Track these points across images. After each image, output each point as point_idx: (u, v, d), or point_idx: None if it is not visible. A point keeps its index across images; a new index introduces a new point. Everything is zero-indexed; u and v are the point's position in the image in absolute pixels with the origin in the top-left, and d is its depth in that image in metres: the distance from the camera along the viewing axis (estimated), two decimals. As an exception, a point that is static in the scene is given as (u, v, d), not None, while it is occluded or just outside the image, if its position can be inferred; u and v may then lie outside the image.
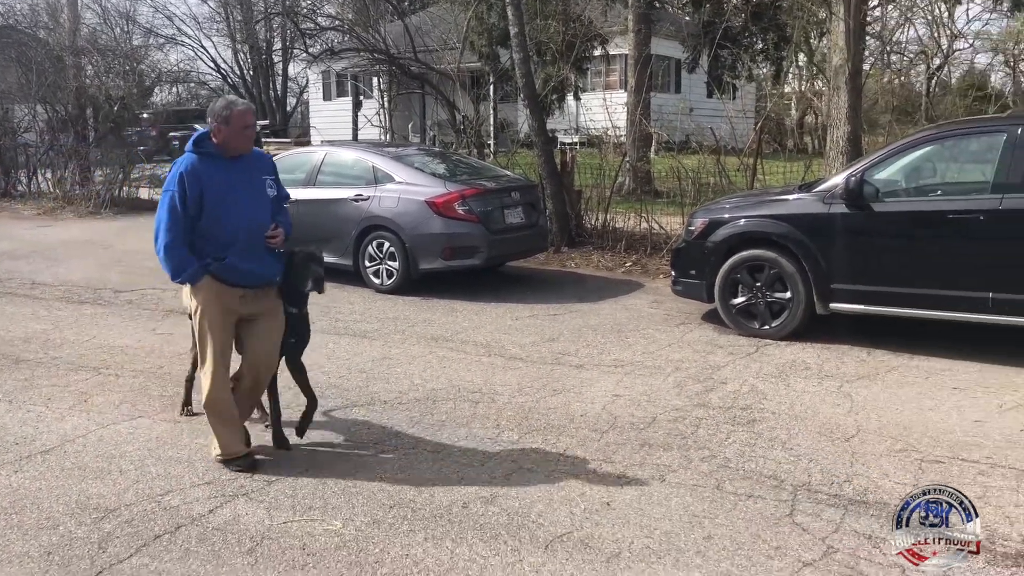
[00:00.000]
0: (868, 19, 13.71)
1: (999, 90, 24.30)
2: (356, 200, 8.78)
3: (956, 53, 25.08)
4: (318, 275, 4.45)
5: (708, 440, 4.65)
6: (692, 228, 7.30)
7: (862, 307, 6.43)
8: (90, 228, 13.59)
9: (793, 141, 20.78)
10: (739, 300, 6.84)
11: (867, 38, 15.28)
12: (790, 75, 22.66)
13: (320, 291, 4.50)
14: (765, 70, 20.48)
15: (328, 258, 6.21)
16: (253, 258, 4.18)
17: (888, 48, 23.02)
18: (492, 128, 19.73)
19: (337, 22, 23.91)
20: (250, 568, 3.36)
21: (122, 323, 7.41)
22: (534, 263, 10.10)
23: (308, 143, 24.72)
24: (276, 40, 36.91)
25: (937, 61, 24.59)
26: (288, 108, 39.44)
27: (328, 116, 29.47)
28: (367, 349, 6.54)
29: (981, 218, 5.92)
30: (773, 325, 6.71)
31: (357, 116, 24.19)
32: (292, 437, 4.56)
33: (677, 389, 5.53)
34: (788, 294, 6.61)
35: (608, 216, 11.09)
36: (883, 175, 6.52)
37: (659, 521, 3.71)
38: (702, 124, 14.99)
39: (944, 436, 4.66)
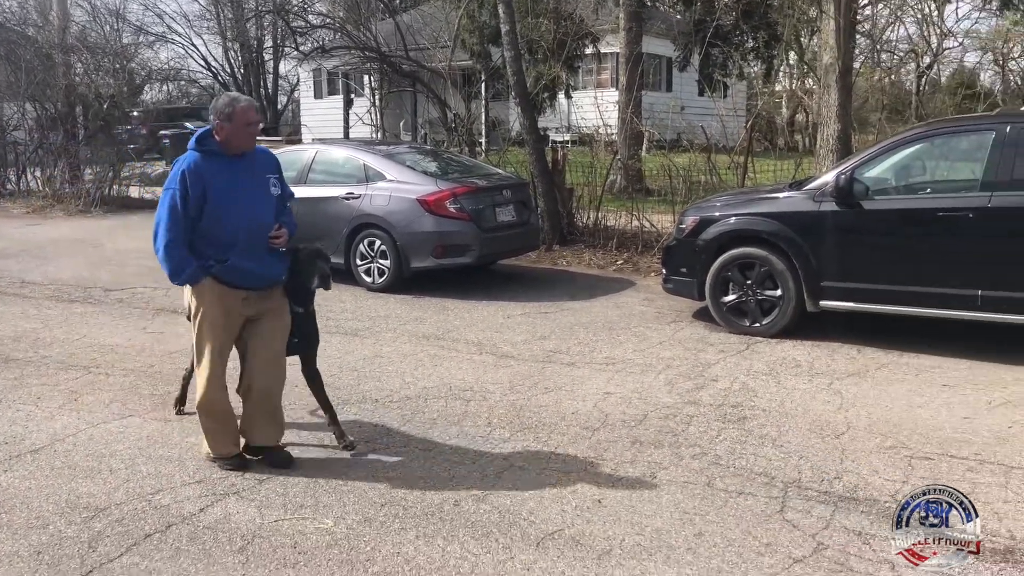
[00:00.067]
0: (858, 17, 13.78)
1: (988, 88, 24.40)
2: (347, 198, 8.77)
3: (946, 52, 25.20)
4: (324, 272, 4.41)
5: (699, 437, 4.66)
6: (683, 226, 7.32)
7: (852, 305, 6.46)
8: (80, 227, 13.52)
9: (784, 139, 20.80)
10: (730, 298, 6.86)
11: (857, 36, 15.33)
12: (781, 73, 22.71)
13: (327, 288, 4.46)
14: (756, 68, 20.50)
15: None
16: (255, 259, 4.10)
17: (878, 47, 23.10)
18: (483, 126, 19.72)
19: (328, 20, 23.88)
20: (241, 567, 3.36)
21: (112, 322, 7.38)
22: (526, 261, 10.11)
23: (299, 141, 24.60)
24: (267, 38, 36.77)
25: (927, 60, 24.67)
26: (279, 106, 39.26)
27: (319, 114, 29.37)
28: (358, 347, 6.54)
29: (970, 216, 5.96)
30: (764, 323, 6.73)
31: (348, 114, 24.12)
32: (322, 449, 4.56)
33: (668, 387, 5.54)
34: (778, 292, 6.63)
35: (599, 214, 11.10)
36: (873, 173, 6.55)
37: (650, 518, 3.72)
38: (693, 122, 15.04)
39: (933, 433, 4.69)
